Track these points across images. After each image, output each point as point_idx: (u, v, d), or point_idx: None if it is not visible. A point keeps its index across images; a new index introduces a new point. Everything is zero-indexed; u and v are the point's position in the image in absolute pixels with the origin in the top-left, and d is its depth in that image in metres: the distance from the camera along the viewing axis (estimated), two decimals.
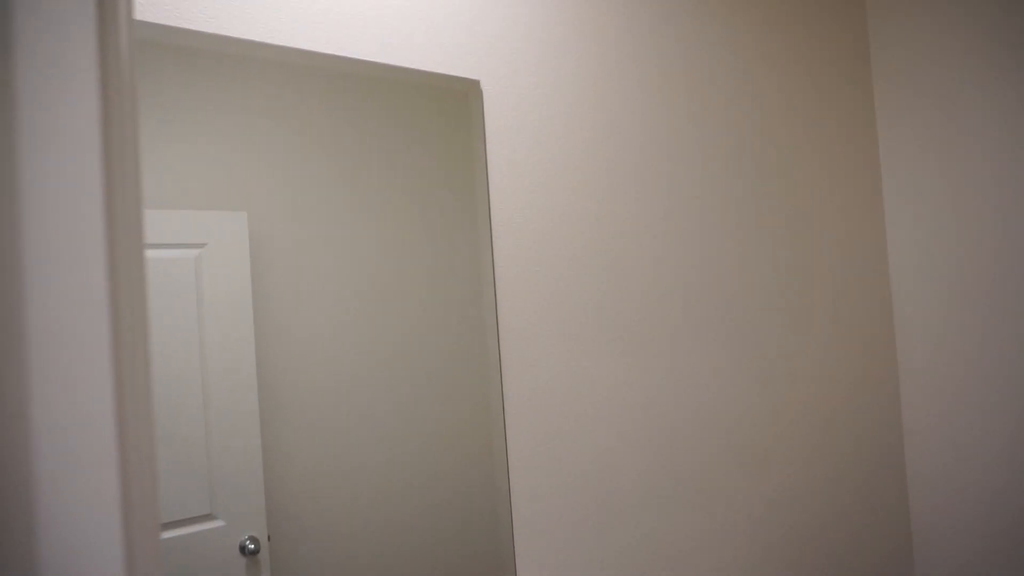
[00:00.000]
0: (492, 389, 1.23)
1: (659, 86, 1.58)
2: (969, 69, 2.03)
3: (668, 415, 1.55)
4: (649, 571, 1.45)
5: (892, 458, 2.29)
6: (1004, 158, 1.96)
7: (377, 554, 1.07)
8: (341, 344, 1.07)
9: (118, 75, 0.30)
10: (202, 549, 0.92)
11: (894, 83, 2.19)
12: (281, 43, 1.07)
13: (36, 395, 0.28)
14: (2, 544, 0.26)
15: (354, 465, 1.07)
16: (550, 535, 1.29)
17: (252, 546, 0.97)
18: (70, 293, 0.29)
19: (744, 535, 1.70)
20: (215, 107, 0.98)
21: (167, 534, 0.90)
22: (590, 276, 1.44)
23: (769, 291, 1.91)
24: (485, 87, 1.28)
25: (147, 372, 0.31)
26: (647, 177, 1.56)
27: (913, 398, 2.23)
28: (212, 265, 0.97)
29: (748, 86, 1.78)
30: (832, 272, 2.13)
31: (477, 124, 1.24)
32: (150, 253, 0.93)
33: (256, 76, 1.02)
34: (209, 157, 0.97)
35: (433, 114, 1.20)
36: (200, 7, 1.01)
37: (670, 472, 1.54)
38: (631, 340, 1.51)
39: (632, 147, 1.53)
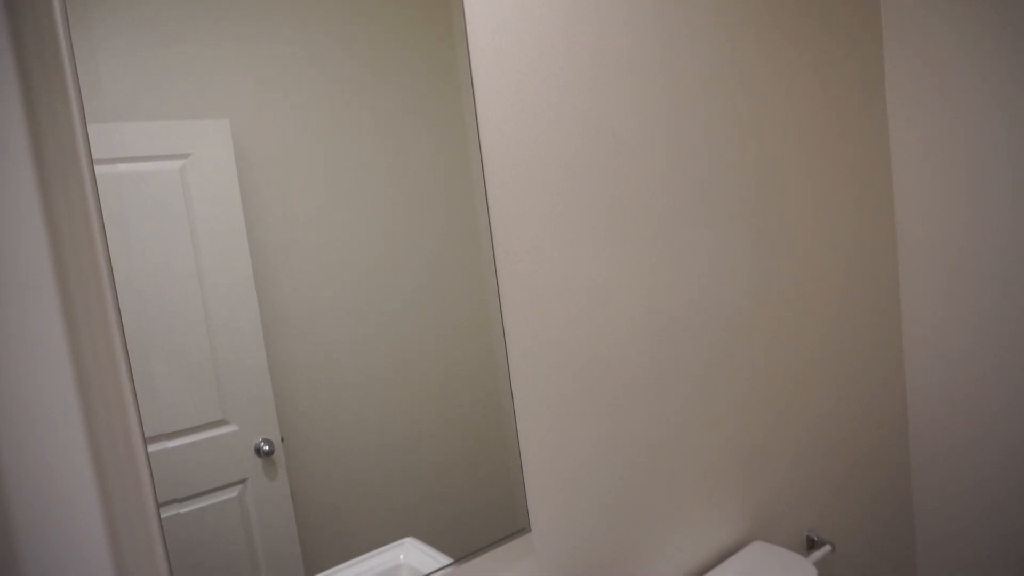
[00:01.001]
0: (488, 283, 1.23)
1: None
2: (983, 16, 1.90)
3: (666, 302, 1.57)
4: (646, 452, 1.52)
5: (891, 346, 2.33)
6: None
7: (386, 444, 1.11)
8: (335, 251, 1.07)
9: None
10: (219, 452, 0.96)
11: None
12: None
13: None
14: None
15: (358, 367, 1.09)
16: (550, 417, 1.33)
17: (267, 447, 1.01)
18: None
19: (742, 420, 1.75)
20: (186, 11, 0.93)
21: (184, 440, 0.93)
22: (584, 165, 1.41)
23: (768, 179, 1.87)
24: None
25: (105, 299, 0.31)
26: (645, 63, 1.49)
27: (913, 282, 2.23)
28: (198, 176, 0.95)
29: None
30: (834, 160, 2.08)
31: (458, 17, 1.18)
32: (131, 167, 0.90)
33: None
34: (183, 64, 0.93)
35: (416, 16, 1.13)
36: None
37: (668, 357, 1.57)
38: (626, 228, 1.50)
39: (629, 33, 1.45)
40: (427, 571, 1.14)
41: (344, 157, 1.08)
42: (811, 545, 1.91)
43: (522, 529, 1.26)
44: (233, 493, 0.97)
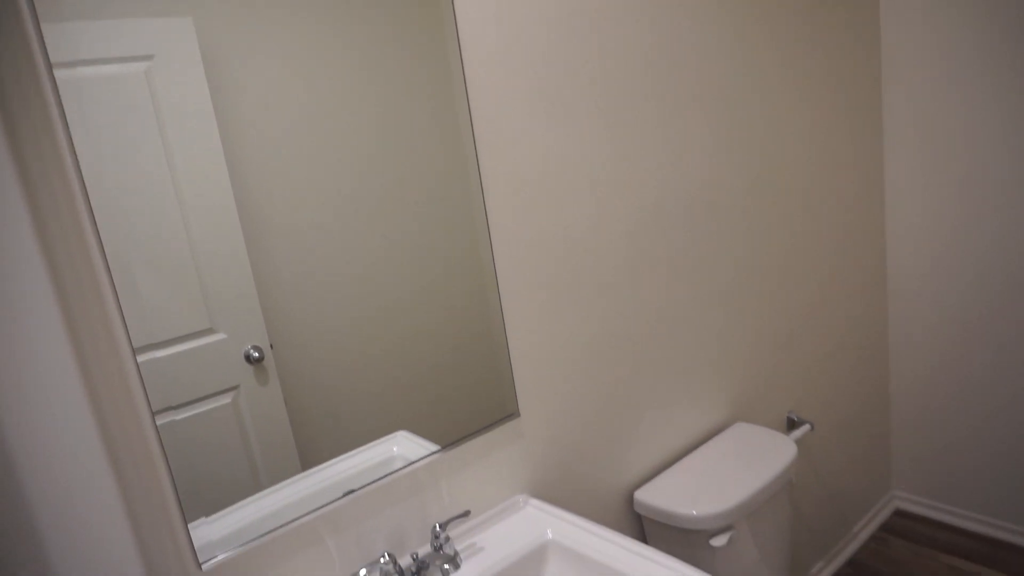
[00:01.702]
0: (471, 176, 1.21)
1: None
2: None
3: (651, 193, 1.54)
4: (632, 340, 1.55)
5: (874, 237, 2.32)
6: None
7: (375, 344, 1.13)
8: (314, 153, 1.03)
9: None
10: (209, 361, 0.97)
11: None
12: None
13: None
14: None
15: (343, 269, 1.08)
16: (536, 307, 1.35)
17: (256, 354, 1.02)
18: None
19: (726, 308, 1.77)
20: None
21: (173, 349, 0.95)
22: (566, 50, 1.35)
23: (760, 76, 1.80)
24: None
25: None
26: None
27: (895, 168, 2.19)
28: (165, 79, 0.90)
29: None
30: (823, 55, 1.99)
31: None
32: (94, 70, 0.85)
33: None
34: None
35: None
36: None
37: (653, 248, 1.57)
38: (613, 118, 1.45)
39: None
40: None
41: (318, 53, 1.02)
42: (791, 425, 2.00)
43: (511, 414, 1.31)
44: (226, 400, 0.99)
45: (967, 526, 2.36)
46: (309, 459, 1.08)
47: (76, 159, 0.84)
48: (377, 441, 1.15)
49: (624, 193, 1.46)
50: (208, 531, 0.98)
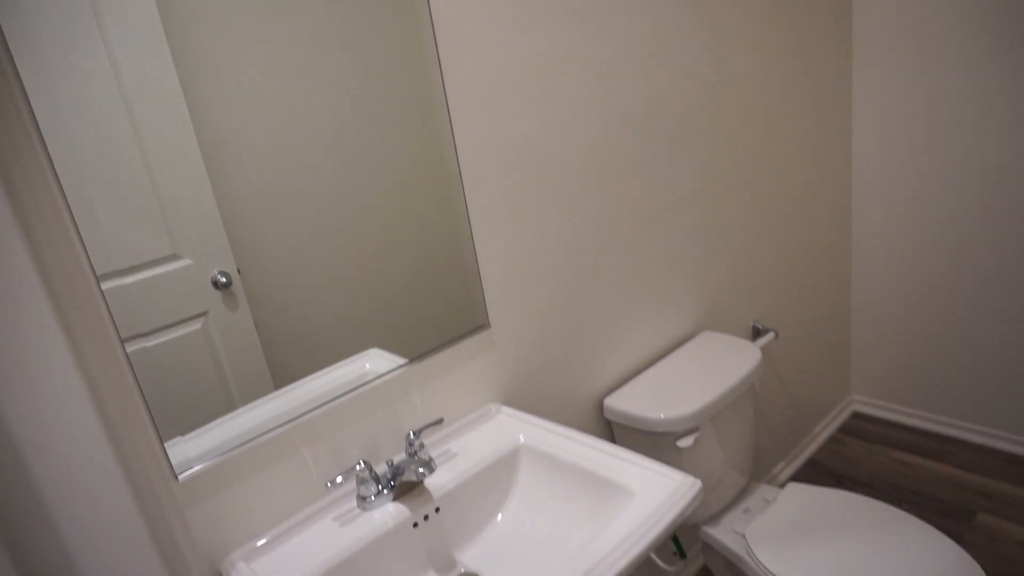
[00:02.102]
0: (434, 84, 1.18)
1: None
2: None
3: (620, 98, 1.53)
4: (601, 251, 1.56)
5: (840, 149, 2.33)
6: None
7: (344, 264, 1.12)
8: (272, 68, 0.99)
9: None
10: (176, 287, 0.96)
11: None
12: None
13: None
14: None
15: (307, 189, 1.06)
16: (503, 217, 1.35)
17: (224, 279, 1.01)
18: None
19: (693, 219, 1.79)
20: None
21: (139, 276, 0.93)
22: None
23: None
24: None
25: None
26: None
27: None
28: None
29: None
30: None
31: None
32: None
33: None
34: None
35: None
36: None
37: (621, 155, 1.56)
38: (580, 16, 1.42)
39: None
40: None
41: None
42: (756, 333, 2.05)
43: (482, 326, 1.32)
44: (196, 326, 0.99)
45: (917, 424, 2.49)
46: (282, 379, 1.09)
47: (19, 78, 0.80)
48: (349, 359, 1.16)
49: (590, 103, 1.44)
50: (184, 448, 0.99)
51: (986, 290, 2.17)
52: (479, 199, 1.29)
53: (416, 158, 1.18)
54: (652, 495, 1.02)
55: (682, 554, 1.78)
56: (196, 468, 0.99)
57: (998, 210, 2.07)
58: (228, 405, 1.03)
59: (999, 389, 2.26)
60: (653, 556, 1.75)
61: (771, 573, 1.43)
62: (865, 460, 2.37)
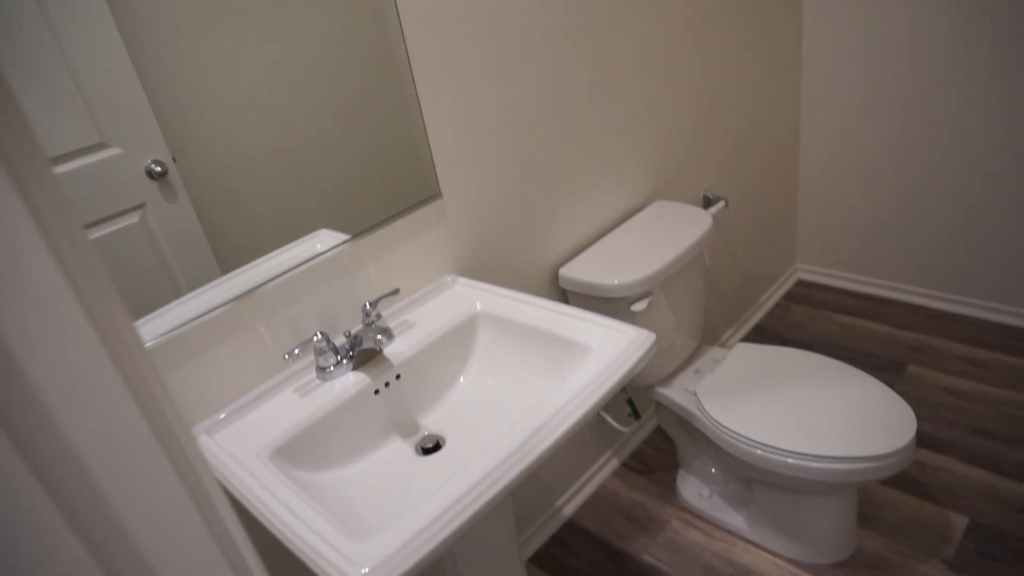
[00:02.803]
0: None
1: None
2: None
3: None
4: (552, 119, 1.52)
5: (791, 18, 2.27)
6: None
7: (286, 146, 1.07)
8: None
9: None
10: (108, 178, 0.91)
11: None
12: None
13: None
14: None
15: (243, 68, 0.99)
16: (450, 81, 1.30)
17: (158, 168, 0.96)
18: None
19: (644, 88, 1.75)
20: None
21: (66, 167, 0.87)
22: None
23: None
24: None
25: None
26: None
27: None
28: None
29: None
30: None
31: None
32: None
33: None
34: None
35: None
36: None
37: (571, 16, 1.50)
38: None
39: None
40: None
41: None
42: (707, 203, 2.07)
43: (433, 195, 1.30)
44: (133, 219, 0.94)
45: (856, 288, 2.60)
46: (229, 266, 1.06)
47: None
48: (298, 241, 1.13)
49: None
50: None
51: (924, 162, 2.22)
52: (424, 65, 1.22)
53: (355, 25, 1.11)
54: (608, 350, 1.04)
55: (636, 415, 1.86)
56: (148, 344, 0.97)
57: (945, 83, 2.08)
58: (175, 294, 1.00)
59: (931, 252, 2.35)
60: (608, 418, 1.83)
61: (719, 424, 1.51)
62: (808, 324, 2.48)
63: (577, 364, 1.07)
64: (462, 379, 1.22)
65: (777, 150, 2.38)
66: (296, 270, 1.13)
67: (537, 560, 1.76)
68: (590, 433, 1.88)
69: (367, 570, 0.75)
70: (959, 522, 1.66)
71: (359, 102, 1.14)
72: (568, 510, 1.87)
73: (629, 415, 1.96)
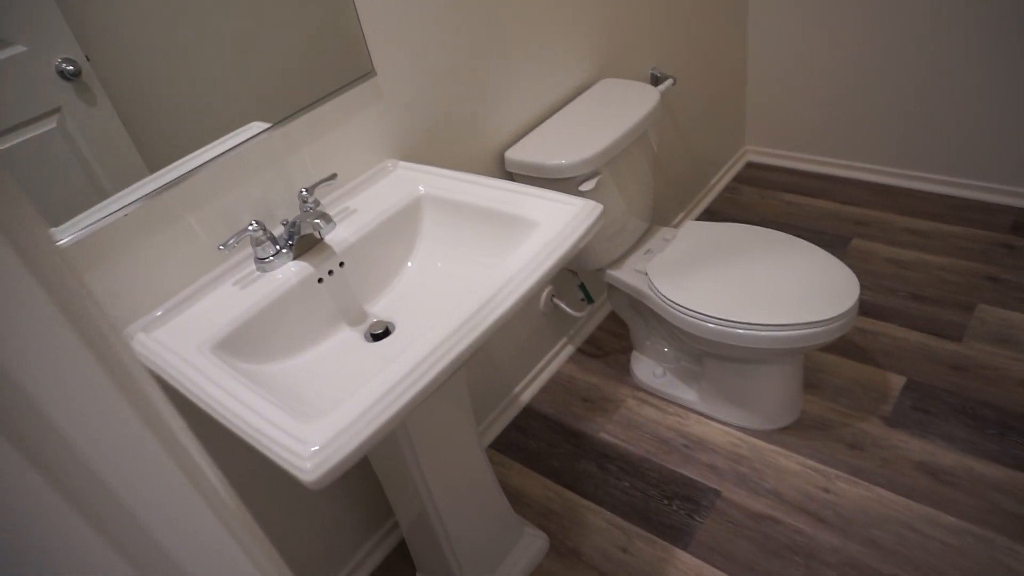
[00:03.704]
0: None
1: None
2: None
3: None
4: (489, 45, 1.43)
5: None
6: None
7: (209, 36, 0.97)
8: None
9: None
10: (16, 80, 0.83)
11: None
12: None
13: None
14: None
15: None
16: None
17: (71, 68, 0.87)
18: None
19: None
20: None
21: None
22: None
23: None
24: None
25: None
26: None
27: None
28: None
29: None
30: None
31: None
32: None
33: None
34: None
35: None
36: None
37: None
38: None
39: None
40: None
41: None
42: (655, 80, 2.02)
43: (366, 73, 1.22)
44: (51, 124, 0.86)
45: (805, 167, 2.61)
46: (157, 165, 0.99)
47: None
48: (227, 136, 1.06)
49: None
50: (57, 232, 0.91)
51: (867, 41, 2.18)
52: None
53: None
54: (554, 223, 1.02)
55: (589, 299, 1.87)
56: (71, 236, 0.91)
57: None
58: (100, 196, 0.93)
59: (875, 128, 2.36)
60: (562, 304, 1.83)
61: (670, 301, 1.53)
62: (757, 204, 2.49)
63: (524, 239, 1.05)
64: (410, 263, 1.19)
65: (725, 30, 2.32)
66: (222, 158, 1.06)
67: (497, 445, 1.80)
68: (545, 320, 1.89)
69: (317, 447, 0.74)
70: (897, 381, 1.74)
71: None
72: (525, 396, 1.90)
73: (582, 300, 1.97)
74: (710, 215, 2.50)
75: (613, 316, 2.12)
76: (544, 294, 1.83)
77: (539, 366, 1.93)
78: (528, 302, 1.78)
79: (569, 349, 2.02)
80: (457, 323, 0.88)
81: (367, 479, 1.49)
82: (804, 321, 1.41)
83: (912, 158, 2.35)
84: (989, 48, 2.03)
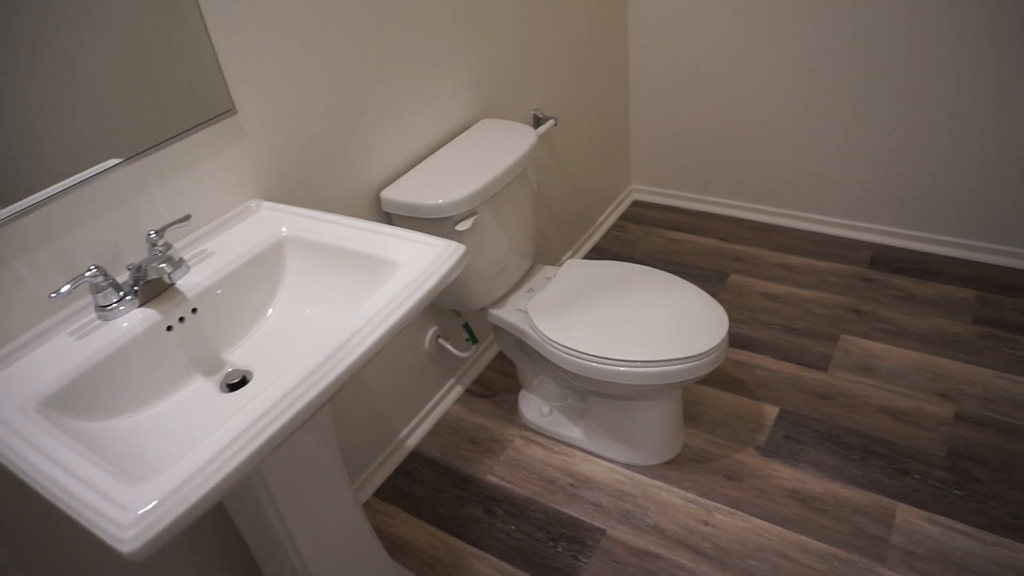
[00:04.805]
0: None
1: None
2: None
3: None
4: (362, 34, 1.42)
5: None
6: None
7: (52, 71, 0.91)
8: None
9: None
10: None
11: None
12: None
13: None
14: None
15: None
16: None
17: None
18: None
19: (469, 4, 1.68)
20: None
21: None
22: None
23: None
24: None
25: None
26: None
27: None
28: None
29: None
30: None
31: None
32: None
33: None
34: None
35: None
36: None
37: None
38: None
39: None
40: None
41: None
42: (537, 122, 2.06)
43: (226, 111, 1.17)
44: None
45: (686, 205, 2.72)
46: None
47: None
48: (84, 173, 0.99)
49: None
50: None
51: (744, 84, 2.31)
52: None
53: None
54: (415, 264, 1.00)
55: (474, 339, 1.86)
56: None
57: (767, 8, 2.16)
58: None
59: (750, 168, 2.49)
60: (447, 345, 1.80)
61: (549, 339, 1.53)
62: (642, 242, 2.57)
63: (386, 280, 1.02)
64: (272, 308, 1.14)
65: (607, 73, 2.40)
66: (61, 198, 0.98)
67: (382, 493, 1.73)
68: (431, 362, 1.85)
69: (140, 512, 0.68)
70: (771, 412, 1.81)
71: (126, 10, 0.99)
72: (412, 441, 1.85)
73: (467, 340, 1.95)
74: (597, 253, 2.55)
75: (502, 355, 2.11)
76: (429, 335, 1.80)
77: (426, 409, 1.89)
78: (394, 342, 1.75)
79: (458, 390, 1.99)
80: (308, 369, 0.83)
81: (230, 532, 1.39)
82: (678, 356, 1.44)
83: (782, 197, 2.50)
84: (846, 97, 2.19)
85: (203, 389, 1.03)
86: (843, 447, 1.69)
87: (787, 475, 1.64)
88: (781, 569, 1.44)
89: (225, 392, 1.02)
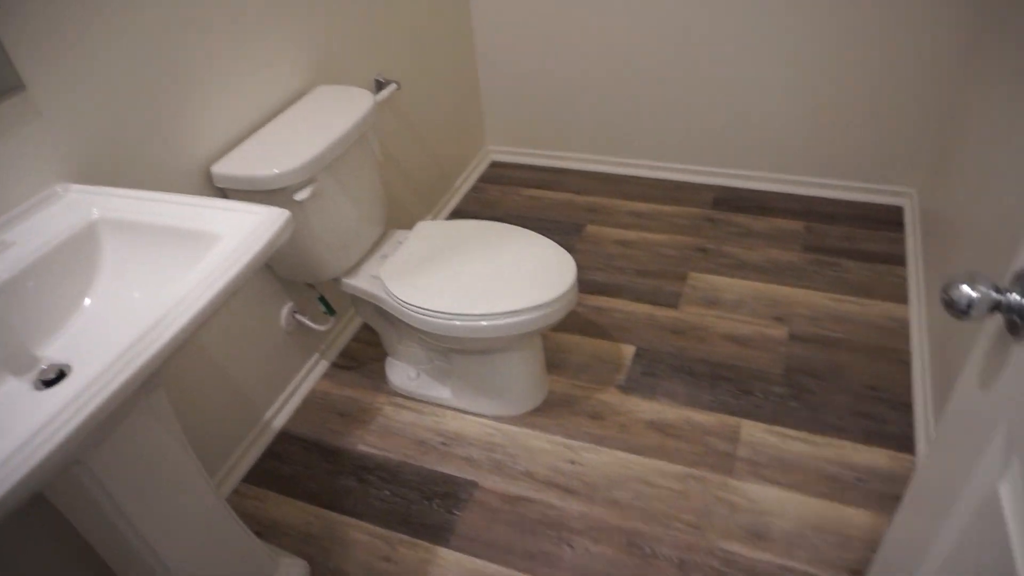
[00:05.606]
0: None
1: None
2: None
3: None
4: None
5: None
6: None
7: None
8: None
9: None
10: None
11: None
12: None
13: None
14: None
15: None
16: None
17: None
18: None
19: None
20: None
21: None
22: None
23: None
24: None
25: None
26: None
27: None
28: None
29: None
30: None
31: None
32: None
33: None
34: None
35: None
36: None
37: None
38: None
39: None
40: None
41: None
42: (380, 86, 2.02)
43: (12, 88, 1.07)
44: None
45: (541, 163, 2.77)
46: None
47: None
48: None
49: None
50: None
51: (585, 44, 2.37)
52: None
53: None
54: (236, 234, 0.96)
55: (330, 311, 1.82)
56: None
57: None
58: None
59: (596, 122, 2.57)
60: (304, 320, 1.76)
61: (403, 301, 1.53)
62: (501, 201, 2.60)
63: (206, 253, 0.98)
64: (89, 299, 1.07)
65: (451, 35, 2.38)
66: None
67: (251, 478, 1.69)
68: (290, 339, 1.81)
69: None
70: (628, 351, 1.90)
71: None
72: (278, 422, 1.80)
73: (324, 312, 1.91)
74: (458, 215, 2.56)
75: (367, 326, 2.09)
76: (284, 311, 1.75)
77: (291, 387, 1.84)
78: (246, 322, 1.69)
79: (323, 365, 1.95)
80: (120, 349, 0.79)
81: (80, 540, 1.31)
82: (530, 305, 1.48)
83: (631, 148, 2.59)
84: (684, 50, 2.29)
85: (15, 389, 0.95)
86: (695, 376, 1.80)
87: (645, 408, 1.73)
88: (643, 494, 1.54)
89: (41, 389, 0.95)
